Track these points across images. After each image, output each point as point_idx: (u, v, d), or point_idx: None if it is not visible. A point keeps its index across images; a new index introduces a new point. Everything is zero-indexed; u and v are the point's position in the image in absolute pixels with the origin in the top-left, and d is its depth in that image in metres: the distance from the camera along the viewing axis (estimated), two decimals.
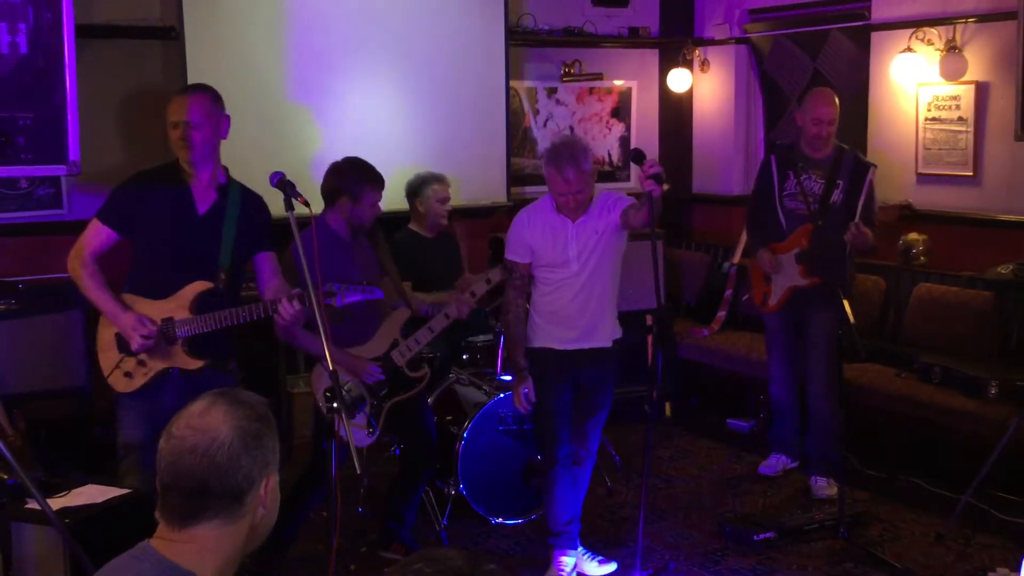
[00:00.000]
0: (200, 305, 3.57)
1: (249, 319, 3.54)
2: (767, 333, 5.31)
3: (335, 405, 3.22)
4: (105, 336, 3.67)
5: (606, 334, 4.13)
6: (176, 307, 3.58)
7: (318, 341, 3.65)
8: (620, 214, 3.96)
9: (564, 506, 4.16)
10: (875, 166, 5.07)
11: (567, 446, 4.13)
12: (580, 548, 4.27)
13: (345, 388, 3.96)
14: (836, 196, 4.92)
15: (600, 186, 4.17)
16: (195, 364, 3.59)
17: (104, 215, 3.67)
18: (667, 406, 3.62)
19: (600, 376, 4.16)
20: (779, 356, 5.25)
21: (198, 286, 3.58)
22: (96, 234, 3.65)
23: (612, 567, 4.27)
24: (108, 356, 3.66)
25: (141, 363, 3.60)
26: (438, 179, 5.23)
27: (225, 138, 3.72)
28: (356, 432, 3.99)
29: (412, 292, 4.47)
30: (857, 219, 4.79)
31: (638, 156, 3.82)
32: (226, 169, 3.77)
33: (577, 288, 4.04)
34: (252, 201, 3.76)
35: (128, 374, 3.62)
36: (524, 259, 4.08)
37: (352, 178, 4.11)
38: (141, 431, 3.61)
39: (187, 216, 3.62)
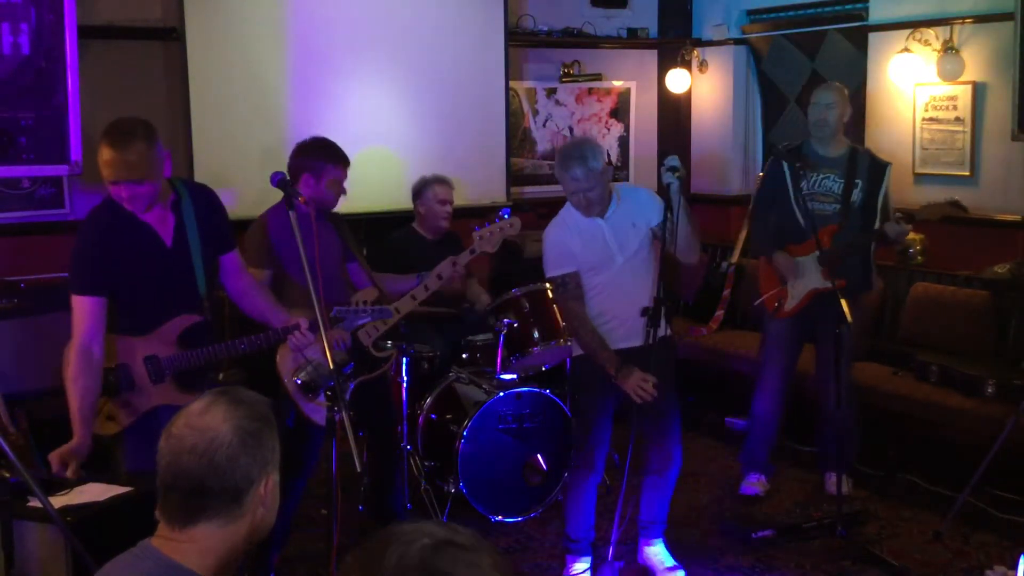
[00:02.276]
0: (187, 339, 3.40)
1: (250, 350, 3.40)
2: (768, 340, 5.05)
3: (334, 403, 3.23)
4: None
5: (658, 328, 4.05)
6: (160, 343, 3.38)
7: (301, 315, 3.61)
8: (654, 226, 3.98)
9: (588, 514, 4.14)
10: (891, 164, 4.95)
11: (604, 453, 4.10)
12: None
13: (311, 365, 3.92)
14: (856, 195, 4.78)
15: None
16: (188, 400, 3.37)
17: (82, 287, 3.30)
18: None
19: (654, 375, 4.04)
20: (775, 367, 5.00)
21: (184, 321, 3.40)
22: (84, 311, 3.28)
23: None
24: None
25: (126, 404, 3.38)
26: (439, 180, 5.25)
27: (168, 176, 3.37)
28: (318, 410, 3.93)
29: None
30: (879, 218, 4.73)
31: (662, 153, 3.96)
32: (168, 180, 3.40)
33: (621, 283, 3.99)
34: (203, 202, 3.49)
35: (111, 417, 3.39)
36: (572, 268, 3.99)
37: (314, 156, 4.09)
38: (144, 461, 3.35)
39: (155, 251, 3.36)
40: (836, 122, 4.82)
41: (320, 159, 4.08)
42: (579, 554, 4.18)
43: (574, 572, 4.18)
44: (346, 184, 4.17)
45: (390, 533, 1.32)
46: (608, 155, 4.12)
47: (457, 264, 4.20)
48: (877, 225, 4.75)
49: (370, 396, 4.16)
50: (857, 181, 4.79)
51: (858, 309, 4.83)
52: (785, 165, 4.87)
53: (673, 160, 3.83)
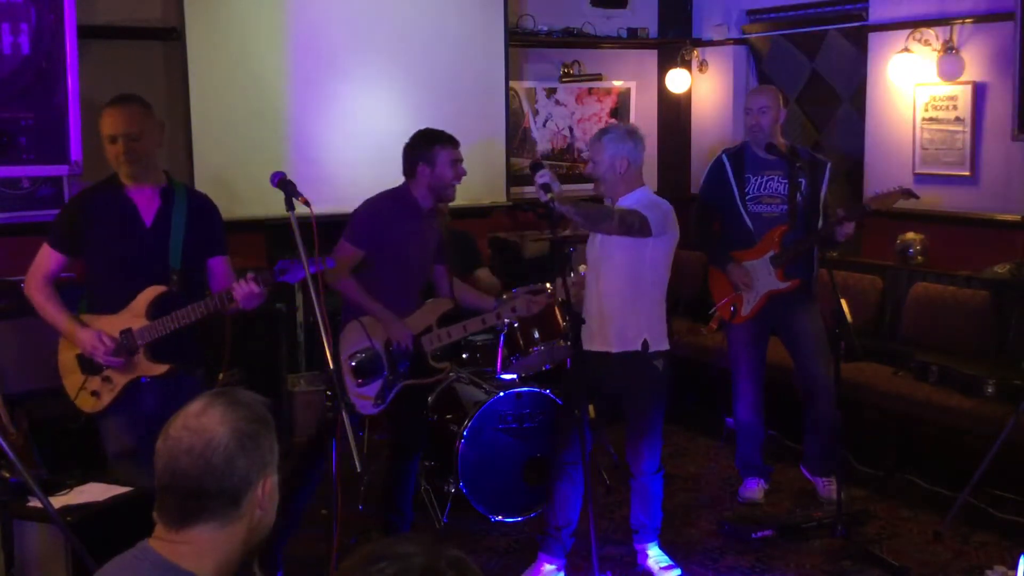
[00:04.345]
0: (155, 310, 3.51)
1: (206, 314, 3.49)
2: (733, 349, 5.05)
3: (335, 404, 3.23)
4: (66, 359, 3.63)
5: (621, 339, 4.04)
6: (132, 317, 3.52)
7: (368, 300, 3.94)
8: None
9: (559, 508, 4.12)
10: (829, 163, 4.95)
11: (569, 452, 4.08)
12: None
13: (370, 352, 4.04)
14: (800, 195, 4.79)
15: None
16: (160, 369, 3.53)
17: (52, 240, 3.62)
18: (591, 408, 3.61)
19: (620, 383, 4.10)
20: (747, 374, 5.00)
21: (151, 292, 3.52)
22: (47, 259, 3.61)
23: None
24: (72, 379, 3.62)
25: (107, 380, 3.55)
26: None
27: (160, 145, 3.64)
28: (362, 401, 4.02)
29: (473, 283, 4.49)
30: (821, 216, 4.77)
31: (534, 167, 3.84)
32: (167, 172, 3.69)
33: (594, 282, 4.05)
34: (200, 204, 3.70)
35: (95, 393, 3.57)
36: None
37: (422, 143, 4.14)
38: (126, 440, 3.57)
39: (134, 228, 3.56)
40: (770, 126, 4.84)
41: (427, 145, 4.13)
42: (551, 553, 4.16)
43: (541, 573, 4.16)
44: (464, 166, 4.22)
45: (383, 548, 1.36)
46: (627, 162, 4.07)
47: (535, 304, 4.25)
48: (821, 224, 4.76)
49: (411, 399, 4.22)
50: (800, 181, 4.79)
51: (815, 306, 4.88)
52: (728, 169, 4.89)
53: (544, 176, 3.73)
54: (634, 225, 3.90)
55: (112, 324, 3.52)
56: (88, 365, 3.55)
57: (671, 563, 4.24)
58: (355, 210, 4.17)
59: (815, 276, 4.90)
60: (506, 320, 4.87)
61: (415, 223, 4.13)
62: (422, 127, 6.33)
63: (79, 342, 3.52)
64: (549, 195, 3.68)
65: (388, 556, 1.35)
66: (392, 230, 4.07)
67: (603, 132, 4.12)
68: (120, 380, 3.55)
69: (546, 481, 4.25)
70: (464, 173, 4.22)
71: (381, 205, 4.16)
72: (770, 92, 4.93)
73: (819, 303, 4.92)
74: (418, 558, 1.35)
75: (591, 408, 3.58)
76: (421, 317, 4.17)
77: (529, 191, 6.93)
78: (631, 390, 4.12)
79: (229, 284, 3.66)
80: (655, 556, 4.26)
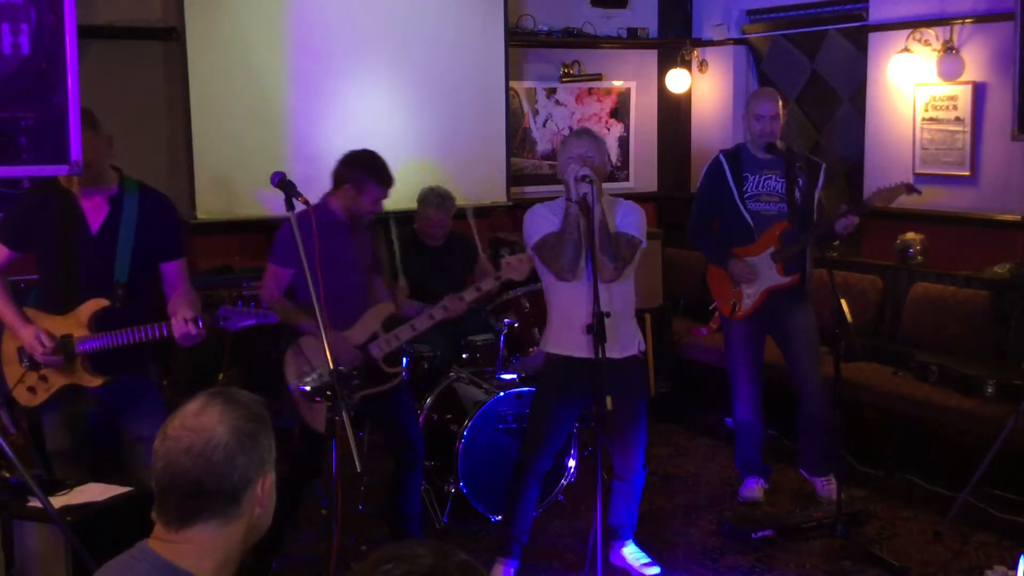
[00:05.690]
0: (98, 323, 3.51)
1: (144, 339, 3.47)
2: (731, 347, 5.05)
3: (334, 402, 3.23)
4: (8, 349, 3.64)
5: (617, 346, 3.94)
6: (74, 324, 3.52)
7: (309, 320, 3.73)
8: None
9: (520, 515, 4.10)
10: (824, 164, 4.97)
11: (544, 462, 4.07)
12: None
13: (316, 372, 3.94)
14: (797, 193, 4.81)
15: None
16: (97, 381, 3.54)
17: (0, 233, 3.62)
18: (608, 400, 3.58)
19: (614, 388, 3.96)
20: (745, 373, 5.01)
21: (94, 304, 3.51)
22: None
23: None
24: (12, 370, 3.64)
25: (43, 379, 3.57)
26: (434, 205, 5.18)
27: (109, 156, 3.55)
28: (319, 419, 3.96)
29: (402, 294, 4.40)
30: (816, 214, 4.79)
31: (582, 176, 3.83)
32: (119, 172, 3.61)
33: (584, 291, 3.93)
34: (152, 207, 3.62)
35: (31, 389, 3.59)
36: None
37: (362, 171, 4.06)
38: (64, 438, 3.59)
39: (80, 233, 3.53)
40: (780, 130, 4.90)
41: (367, 175, 4.05)
42: (513, 556, 4.13)
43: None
44: (384, 203, 4.16)
45: (391, 552, 1.38)
46: (608, 156, 4.06)
47: (464, 300, 4.15)
48: (816, 221, 4.79)
49: (383, 408, 4.18)
50: (799, 180, 4.82)
51: (809, 305, 4.90)
52: (726, 168, 4.92)
53: (583, 170, 3.77)
54: (629, 261, 3.93)
55: (55, 325, 3.52)
56: (27, 360, 3.56)
57: (650, 560, 4.23)
58: (278, 231, 4.05)
59: (809, 275, 4.92)
60: (505, 325, 4.93)
61: (341, 237, 4.01)
62: (421, 127, 6.41)
63: (20, 338, 3.52)
64: (589, 179, 3.72)
65: (395, 558, 1.36)
66: (323, 248, 3.97)
67: (594, 133, 4.08)
68: (56, 382, 3.56)
69: (519, 489, 4.12)
70: (380, 210, 4.14)
71: (302, 223, 4.10)
72: (776, 96, 4.96)
73: (819, 303, 4.92)
74: (425, 560, 1.36)
75: (608, 400, 3.55)
76: (363, 326, 4.10)
77: (529, 191, 6.96)
78: (624, 393, 3.98)
79: (183, 290, 3.65)
80: (634, 553, 4.25)
